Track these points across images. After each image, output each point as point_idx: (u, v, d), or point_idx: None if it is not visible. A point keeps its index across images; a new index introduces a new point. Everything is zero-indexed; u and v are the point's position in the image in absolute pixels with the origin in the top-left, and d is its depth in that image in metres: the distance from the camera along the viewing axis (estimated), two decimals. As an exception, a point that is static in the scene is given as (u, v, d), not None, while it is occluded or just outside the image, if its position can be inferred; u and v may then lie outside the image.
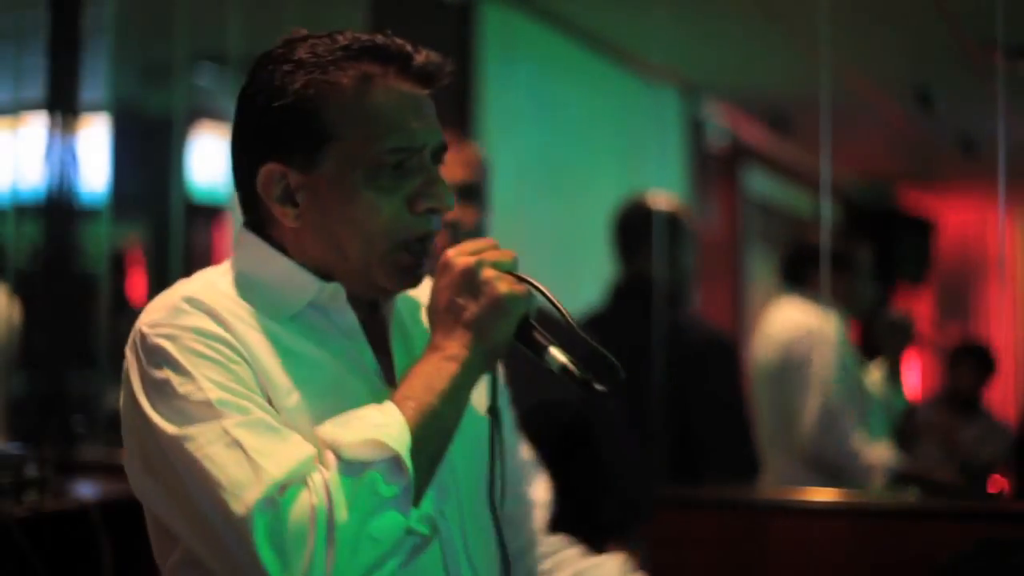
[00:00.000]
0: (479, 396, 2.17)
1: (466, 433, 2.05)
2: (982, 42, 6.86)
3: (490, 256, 1.97)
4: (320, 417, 1.91)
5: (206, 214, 8.67)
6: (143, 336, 1.95)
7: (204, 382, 1.86)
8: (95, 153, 5.64)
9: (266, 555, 1.74)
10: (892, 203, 13.96)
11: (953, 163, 11.00)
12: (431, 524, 1.87)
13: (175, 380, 1.88)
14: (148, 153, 7.56)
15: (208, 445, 1.81)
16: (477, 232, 3.49)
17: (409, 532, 1.82)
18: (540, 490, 2.57)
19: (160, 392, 1.89)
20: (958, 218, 13.23)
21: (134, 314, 6.59)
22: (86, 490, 4.25)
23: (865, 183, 12.74)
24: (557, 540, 2.50)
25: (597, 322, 4.64)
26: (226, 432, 1.82)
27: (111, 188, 5.70)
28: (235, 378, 1.89)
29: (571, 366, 1.91)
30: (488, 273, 1.94)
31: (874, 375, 5.24)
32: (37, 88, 4.61)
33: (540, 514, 2.50)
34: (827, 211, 4.74)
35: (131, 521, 4.35)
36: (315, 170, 2.00)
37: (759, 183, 11.29)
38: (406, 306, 2.23)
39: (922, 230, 13.05)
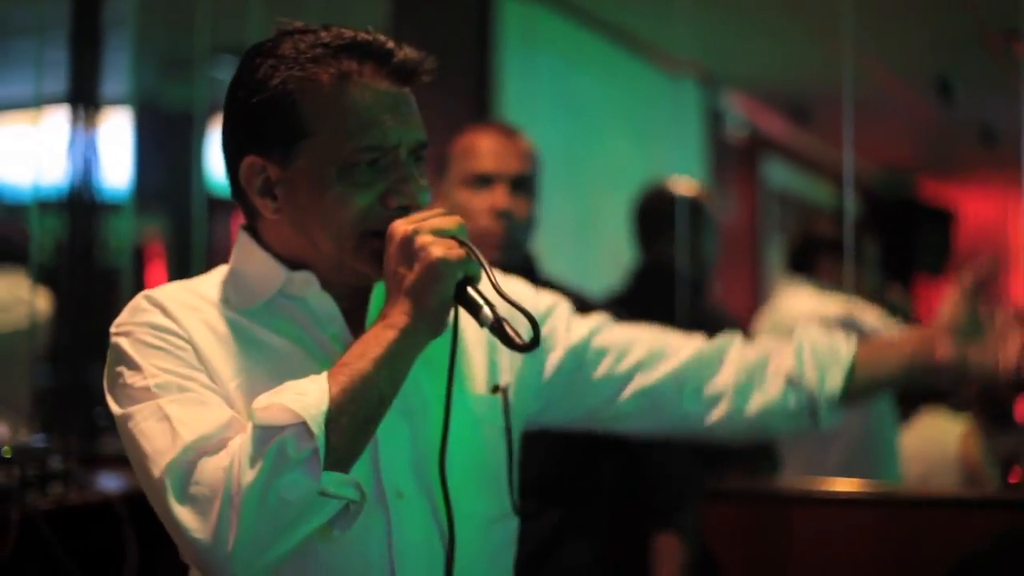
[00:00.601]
0: (479, 376, 2.27)
1: (464, 410, 2.16)
2: (1003, 32, 6.84)
3: (431, 223, 1.98)
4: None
5: (227, 208, 8.65)
6: (111, 333, 2.08)
7: (149, 370, 1.99)
8: (116, 147, 5.66)
9: (180, 514, 1.86)
10: (912, 194, 13.92)
11: (973, 154, 10.97)
12: (357, 488, 1.90)
13: (125, 372, 2.01)
14: (169, 147, 7.57)
15: (143, 421, 1.94)
16: (530, 223, 3.52)
17: (324, 495, 1.85)
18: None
19: (114, 382, 2.03)
20: (978, 209, 13.18)
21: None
22: (110, 482, 4.27)
23: (885, 174, 12.71)
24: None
25: (614, 306, 4.65)
26: (159, 408, 1.94)
27: (133, 182, 5.72)
28: (181, 363, 2.01)
29: (498, 325, 1.94)
30: (423, 239, 1.95)
31: None
32: (59, 82, 4.63)
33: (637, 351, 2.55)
34: (850, 202, 4.73)
35: (155, 514, 4.37)
36: (291, 165, 2.04)
37: (778, 174, 11.27)
38: (379, 297, 2.26)
39: (942, 221, 13.01)
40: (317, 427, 1.83)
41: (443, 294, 1.95)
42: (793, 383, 2.50)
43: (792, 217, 11.35)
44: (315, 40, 2.05)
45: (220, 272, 2.22)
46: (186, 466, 1.87)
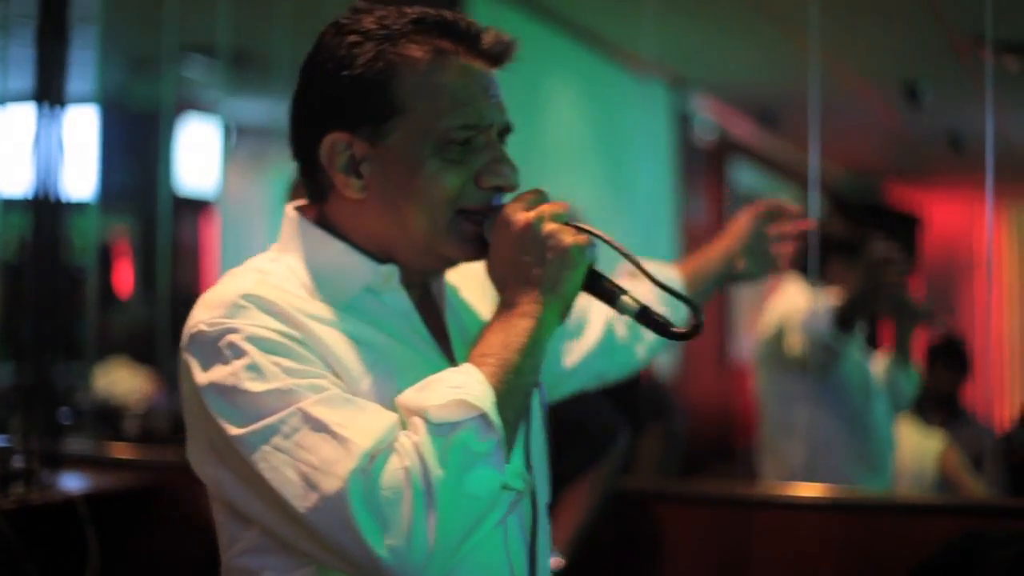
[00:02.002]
0: None
1: None
2: (970, 38, 6.88)
3: (547, 209, 1.96)
4: (387, 397, 1.89)
5: (193, 207, 8.66)
6: (202, 334, 1.90)
7: (272, 371, 1.84)
8: (83, 145, 5.63)
9: (364, 523, 1.73)
10: (879, 198, 13.97)
11: (940, 159, 11.03)
12: (524, 478, 1.91)
13: (243, 375, 1.83)
14: (135, 145, 7.56)
15: (294, 432, 1.79)
16: None
17: (505, 488, 1.83)
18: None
19: (227, 388, 1.84)
20: (944, 214, 13.27)
21: (120, 306, 6.59)
22: (72, 482, 4.25)
23: (852, 178, 12.76)
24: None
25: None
26: (307, 414, 1.80)
27: (99, 180, 5.70)
28: (303, 361, 1.87)
29: (646, 311, 1.92)
30: (550, 226, 1.93)
31: (878, 364, 5.22)
32: (24, 79, 4.59)
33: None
34: (815, 205, 4.74)
35: (117, 513, 4.36)
36: (382, 141, 1.98)
37: (746, 177, 11.31)
38: (451, 290, 2.24)
39: (908, 225, 13.07)
40: (495, 417, 1.80)
41: (576, 281, 1.94)
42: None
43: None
44: (402, 17, 2.01)
45: (277, 261, 2.06)
46: (369, 474, 1.75)
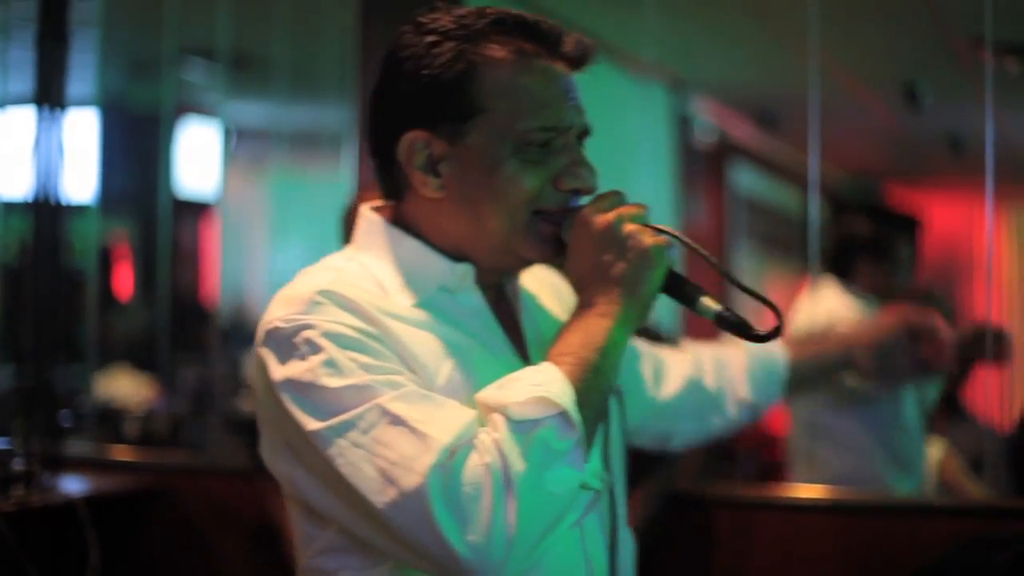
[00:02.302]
0: None
1: None
2: (970, 40, 6.87)
3: (626, 210, 1.96)
4: (465, 394, 1.91)
5: (193, 210, 8.66)
6: (278, 330, 1.91)
7: (349, 367, 1.84)
8: (83, 148, 5.64)
9: (444, 520, 1.72)
10: (878, 200, 13.97)
11: (940, 161, 11.01)
12: (601, 478, 1.91)
13: (320, 371, 1.85)
14: (135, 148, 7.56)
15: (371, 427, 1.80)
16: None
17: (584, 486, 1.82)
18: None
19: (304, 384, 1.86)
20: (945, 216, 13.25)
21: (120, 309, 6.58)
22: (73, 485, 4.25)
23: (852, 180, 12.75)
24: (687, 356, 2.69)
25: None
26: (385, 410, 1.80)
27: (99, 183, 5.70)
28: (380, 357, 1.88)
29: (726, 312, 1.92)
30: (630, 227, 1.93)
31: None
32: (24, 82, 4.59)
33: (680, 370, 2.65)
34: (815, 208, 4.73)
35: (117, 516, 4.36)
36: (461, 141, 1.99)
37: (746, 179, 11.30)
38: (543, 284, 2.27)
39: (908, 227, 13.05)
40: (575, 415, 1.80)
41: (655, 282, 1.93)
42: (744, 405, 2.79)
43: (760, 223, 11.38)
44: (484, 18, 2.02)
45: (352, 259, 2.08)
46: (449, 469, 1.75)
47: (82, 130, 5.65)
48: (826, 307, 4.93)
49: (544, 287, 2.30)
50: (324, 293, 1.92)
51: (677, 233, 1.97)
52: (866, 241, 5.02)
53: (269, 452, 2.01)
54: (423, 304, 2.02)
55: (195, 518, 4.44)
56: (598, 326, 1.90)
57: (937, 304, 5.00)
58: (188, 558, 4.43)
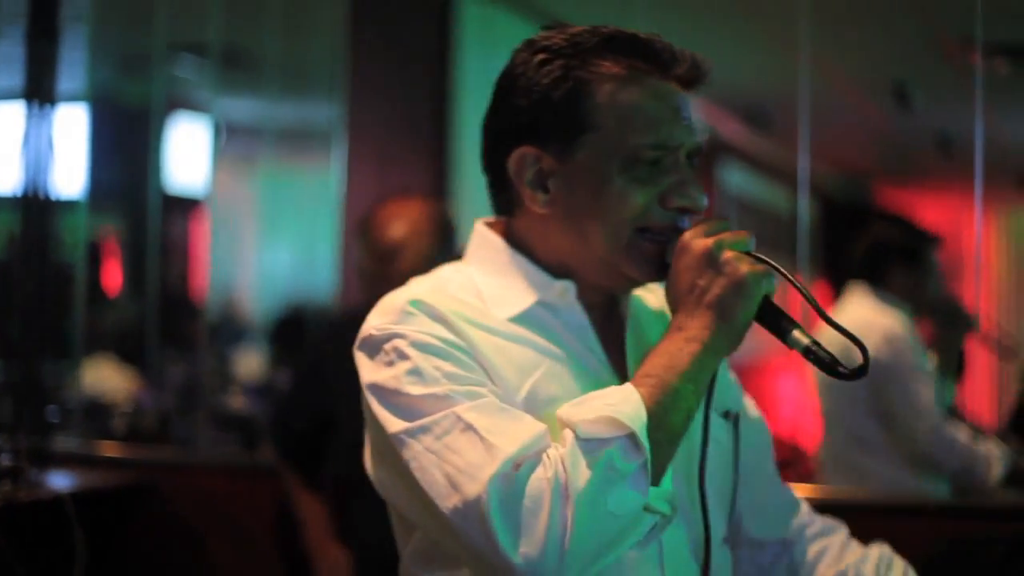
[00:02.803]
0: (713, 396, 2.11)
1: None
2: (960, 40, 6.88)
3: (727, 237, 1.93)
4: (545, 410, 1.92)
5: (183, 206, 8.66)
6: (372, 337, 1.99)
7: (433, 376, 1.89)
8: (72, 143, 5.63)
9: (502, 532, 1.74)
10: (869, 200, 13.99)
11: (929, 160, 11.04)
12: (672, 503, 1.85)
13: (405, 378, 1.90)
14: (125, 144, 7.55)
15: (445, 434, 1.84)
16: None
17: (647, 510, 1.80)
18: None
19: (389, 390, 1.92)
20: (934, 215, 13.26)
21: (109, 305, 6.57)
22: (60, 480, 4.25)
23: (842, 179, 12.78)
24: (823, 524, 2.37)
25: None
26: (459, 418, 1.84)
27: (89, 179, 5.69)
28: (464, 368, 1.92)
29: (816, 348, 1.86)
30: (728, 254, 1.90)
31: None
32: (14, 78, 4.59)
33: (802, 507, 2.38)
34: (804, 207, 4.73)
35: (104, 512, 4.36)
36: (570, 158, 2.00)
37: (736, 179, 11.31)
38: (643, 311, 2.21)
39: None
40: (644, 438, 1.78)
41: (749, 310, 1.90)
42: None
43: (750, 222, 11.39)
44: (596, 36, 2.04)
45: (460, 272, 2.13)
46: (510, 480, 1.77)
47: (72, 125, 5.63)
48: (859, 314, 4.90)
49: (660, 308, 2.25)
50: (416, 303, 1.98)
51: (775, 264, 1.92)
52: (900, 248, 5.01)
53: (368, 455, 2.08)
54: (520, 318, 2.05)
55: (182, 514, 4.44)
56: (684, 350, 1.89)
57: (963, 315, 5.00)
58: (175, 554, 4.43)
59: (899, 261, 4.97)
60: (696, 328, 1.89)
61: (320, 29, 6.15)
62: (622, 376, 2.06)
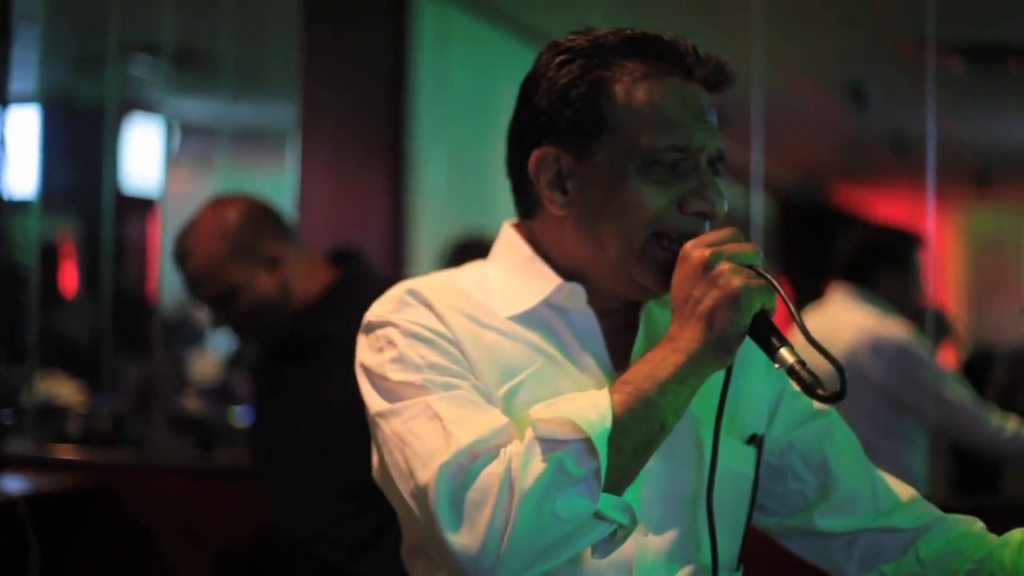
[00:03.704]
0: (736, 420, 2.08)
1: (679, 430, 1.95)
2: (915, 40, 6.92)
3: (728, 248, 1.86)
4: (526, 411, 1.86)
5: (138, 207, 8.62)
6: (370, 323, 2.03)
7: (415, 364, 1.92)
8: (26, 144, 5.60)
9: (445, 520, 1.76)
10: (824, 199, 14.05)
11: (885, 160, 11.09)
12: (630, 514, 1.80)
13: (389, 364, 1.94)
14: (79, 144, 7.52)
15: (412, 419, 1.86)
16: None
17: (598, 517, 1.77)
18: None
19: (376, 374, 1.96)
20: (889, 214, 13.34)
21: (65, 306, 6.52)
22: (13, 484, 4.22)
23: (798, 179, 12.83)
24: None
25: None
26: (428, 406, 1.86)
27: (41, 180, 5.66)
28: (449, 359, 1.93)
29: (799, 368, 1.79)
30: (725, 266, 1.84)
31: None
32: (-34, 78, 4.57)
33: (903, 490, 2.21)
34: (758, 207, 4.75)
35: (59, 515, 4.33)
36: (589, 158, 1.96)
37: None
38: (659, 324, 2.11)
39: (852, 226, 13.15)
40: (601, 445, 1.74)
41: (739, 324, 1.83)
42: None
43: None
44: (618, 36, 2.00)
45: (478, 269, 2.12)
46: (459, 470, 1.78)
47: (24, 126, 5.61)
48: (842, 315, 4.91)
49: None
50: (412, 292, 2.01)
51: (774, 281, 1.86)
52: (887, 250, 5.02)
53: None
54: (522, 317, 2.03)
55: (137, 517, 4.42)
56: (667, 360, 1.84)
57: (944, 322, 5.03)
58: (130, 556, 4.41)
59: (886, 262, 4.98)
60: (684, 339, 1.85)
61: (275, 29, 6.13)
62: None
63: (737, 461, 2.06)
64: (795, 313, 1.85)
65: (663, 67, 1.97)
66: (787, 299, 1.86)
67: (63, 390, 6.26)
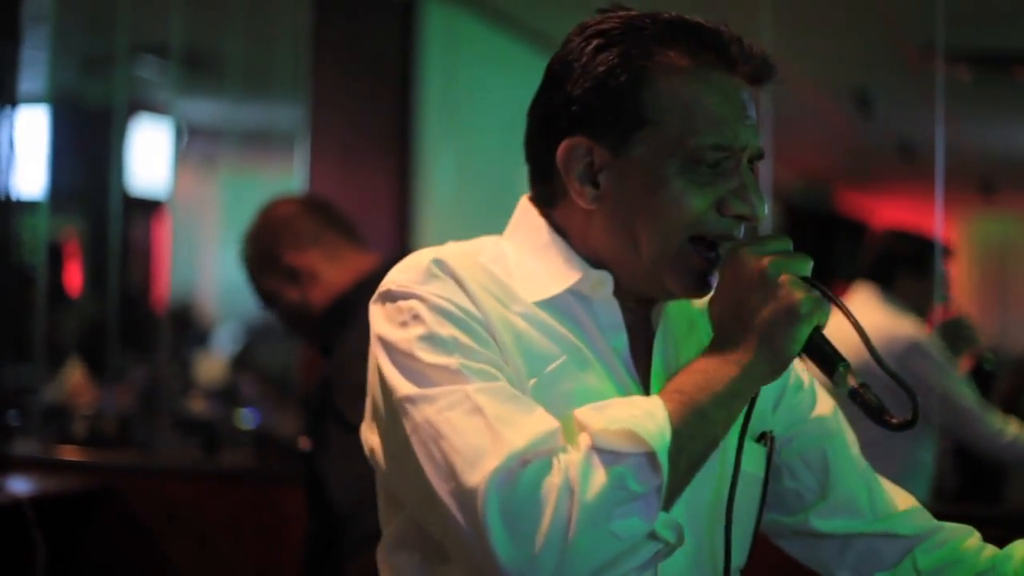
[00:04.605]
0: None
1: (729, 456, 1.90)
2: (921, 47, 6.92)
3: (786, 258, 1.78)
4: (556, 405, 1.76)
5: (145, 207, 8.62)
6: (390, 292, 1.83)
7: (447, 346, 1.75)
8: (34, 144, 5.60)
9: (496, 530, 1.60)
10: (829, 205, 14.04)
11: (890, 166, 11.09)
12: (678, 532, 1.71)
13: (419, 342, 1.76)
14: (87, 145, 7.52)
15: (449, 409, 1.69)
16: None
17: (652, 537, 1.67)
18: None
19: (401, 352, 1.77)
20: (894, 220, 13.34)
21: (71, 306, 6.52)
22: (20, 485, 4.22)
23: (803, 185, 12.82)
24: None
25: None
26: (468, 397, 1.69)
27: (49, 180, 5.66)
28: (481, 343, 1.77)
29: (862, 391, 1.74)
30: (785, 276, 1.75)
31: None
32: (-25, 78, 4.57)
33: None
34: (769, 215, 4.75)
35: (65, 516, 4.33)
36: (626, 153, 1.84)
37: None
38: (682, 314, 2.03)
39: (858, 232, 13.15)
40: (664, 460, 1.64)
41: (798, 340, 1.75)
42: None
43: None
44: (658, 22, 1.86)
45: (495, 245, 1.97)
46: (510, 475, 1.62)
47: (33, 127, 5.61)
48: (860, 314, 4.89)
49: (697, 316, 2.06)
50: (439, 264, 1.83)
51: (831, 293, 1.78)
52: (910, 256, 5.03)
53: (366, 419, 1.92)
54: (548, 303, 1.89)
55: (143, 518, 4.42)
56: (722, 371, 1.76)
57: (965, 327, 5.04)
58: (136, 558, 4.41)
59: (909, 268, 4.99)
60: (739, 351, 1.77)
61: (283, 31, 6.13)
62: (644, 386, 1.92)
63: (750, 461, 1.97)
64: (861, 330, 1.78)
65: (707, 58, 1.85)
66: (851, 315, 1.80)
67: (74, 378, 6.26)
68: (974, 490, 5.38)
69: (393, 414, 1.76)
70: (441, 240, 1.98)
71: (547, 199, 1.95)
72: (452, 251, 1.89)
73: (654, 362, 1.94)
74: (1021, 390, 5.65)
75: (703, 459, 1.76)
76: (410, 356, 1.75)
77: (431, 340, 1.75)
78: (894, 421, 1.70)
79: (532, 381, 1.80)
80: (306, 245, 3.43)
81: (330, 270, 3.44)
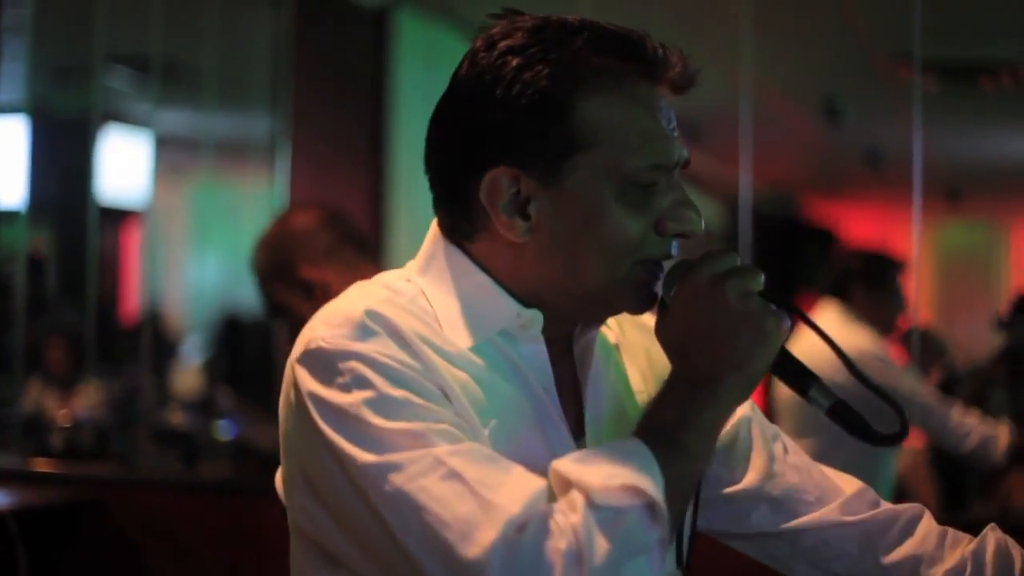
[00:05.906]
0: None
1: None
2: (891, 56, 6.96)
3: (741, 275, 1.68)
4: (511, 456, 1.62)
5: (112, 217, 8.60)
6: (321, 350, 1.65)
7: (405, 409, 1.59)
8: (9, 155, 5.59)
9: None
10: (797, 213, 14.10)
11: (858, 175, 11.15)
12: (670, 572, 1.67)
13: (368, 408, 1.59)
14: (61, 155, 7.50)
15: (421, 476, 1.55)
16: None
17: None
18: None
19: (349, 416, 1.60)
20: (861, 229, 13.41)
21: (47, 316, 6.44)
22: (0, 498, 4.21)
23: (770, 192, 12.87)
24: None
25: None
26: (441, 462, 1.55)
27: (27, 190, 5.65)
28: (437, 403, 1.63)
29: (842, 406, 1.68)
30: (746, 296, 1.67)
31: None
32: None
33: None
34: (746, 221, 4.77)
35: (47, 530, 4.32)
36: (558, 182, 1.69)
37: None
38: (601, 346, 1.89)
39: (825, 240, 13.22)
40: (663, 507, 1.54)
41: (766, 360, 1.67)
42: None
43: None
44: (575, 34, 1.70)
45: (406, 283, 1.78)
46: (512, 545, 1.49)
47: (9, 137, 5.60)
48: (828, 331, 4.92)
49: (634, 345, 1.97)
50: (374, 317, 1.67)
51: (796, 307, 1.74)
52: (860, 270, 5.08)
53: (287, 478, 1.75)
54: (479, 348, 1.74)
55: (124, 531, 4.41)
56: (696, 403, 1.65)
57: (933, 341, 5.11)
58: (117, 571, 4.40)
59: (861, 282, 5.04)
60: (708, 379, 1.66)
61: (258, 42, 6.13)
62: (571, 421, 1.80)
63: None
64: (828, 336, 1.74)
65: (631, 70, 1.71)
66: (815, 323, 1.75)
67: (45, 400, 6.25)
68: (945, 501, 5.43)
69: (347, 484, 1.61)
70: (415, 249, 1.87)
71: (464, 231, 1.78)
72: (378, 299, 1.72)
73: (587, 398, 1.84)
74: (984, 394, 5.71)
75: (689, 496, 1.71)
76: (361, 421, 1.59)
77: (383, 403, 1.60)
78: (883, 434, 1.65)
79: (484, 435, 1.67)
80: (323, 260, 3.34)
81: (345, 287, 3.39)
